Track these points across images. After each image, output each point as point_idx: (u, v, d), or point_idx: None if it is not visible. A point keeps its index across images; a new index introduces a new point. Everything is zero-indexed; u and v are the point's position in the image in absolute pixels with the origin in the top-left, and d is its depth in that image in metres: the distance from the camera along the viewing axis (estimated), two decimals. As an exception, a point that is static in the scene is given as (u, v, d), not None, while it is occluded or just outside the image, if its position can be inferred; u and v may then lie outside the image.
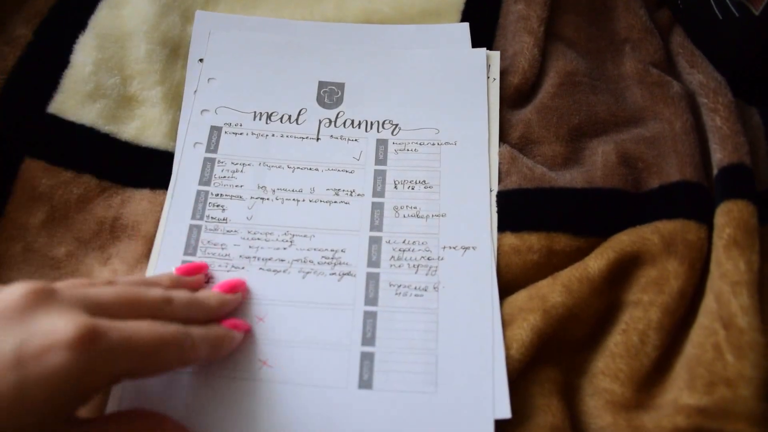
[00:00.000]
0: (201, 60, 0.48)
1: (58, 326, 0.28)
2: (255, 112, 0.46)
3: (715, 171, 0.42)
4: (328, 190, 0.43)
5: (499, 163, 0.44)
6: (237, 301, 0.38)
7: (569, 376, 0.39)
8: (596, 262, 0.39)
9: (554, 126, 0.46)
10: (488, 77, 0.48)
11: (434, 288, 0.40)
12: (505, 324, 0.38)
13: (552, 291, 0.39)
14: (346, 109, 0.46)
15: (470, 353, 0.37)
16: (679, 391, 0.35)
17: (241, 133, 0.45)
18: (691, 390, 0.35)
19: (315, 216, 0.42)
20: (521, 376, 0.38)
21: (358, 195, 0.43)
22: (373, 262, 0.41)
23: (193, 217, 0.42)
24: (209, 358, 0.35)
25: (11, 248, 0.41)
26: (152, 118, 0.45)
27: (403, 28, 0.51)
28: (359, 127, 0.46)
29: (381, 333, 0.38)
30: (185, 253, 0.41)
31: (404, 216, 0.42)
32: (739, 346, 0.35)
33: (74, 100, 0.45)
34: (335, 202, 0.43)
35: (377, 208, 0.43)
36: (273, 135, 0.45)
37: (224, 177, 0.43)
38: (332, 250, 0.41)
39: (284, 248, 0.41)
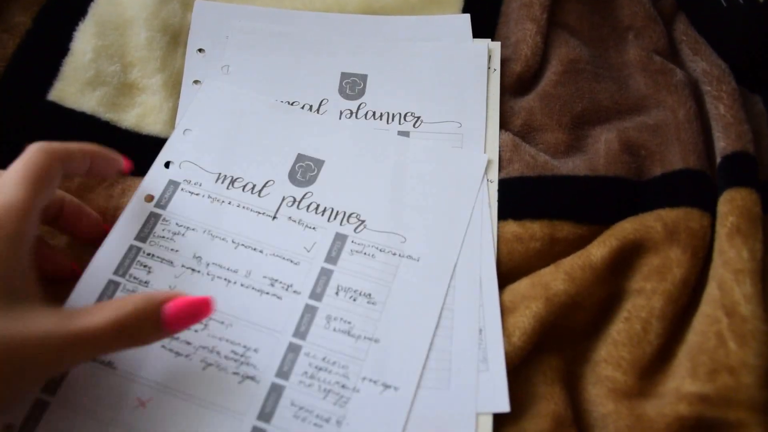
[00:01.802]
0: (200, 50, 0.48)
1: None
2: (219, 174, 0.42)
3: (718, 159, 0.42)
4: (264, 277, 0.39)
5: (501, 151, 0.44)
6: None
7: (571, 364, 0.39)
8: (599, 250, 0.39)
9: (557, 114, 0.45)
10: (489, 68, 0.47)
11: (337, 423, 0.35)
12: (508, 312, 0.38)
13: (555, 279, 0.38)
14: (315, 190, 0.42)
15: None
16: (682, 379, 0.35)
17: (197, 194, 0.41)
18: (694, 378, 0.35)
19: (241, 303, 0.38)
20: (523, 364, 0.37)
21: (294, 292, 0.38)
22: (283, 372, 0.36)
23: (116, 272, 0.38)
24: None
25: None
26: (153, 106, 0.45)
27: (405, 20, 0.50)
28: (322, 215, 0.41)
29: None
30: None
31: (335, 329, 0.38)
32: (742, 334, 0.35)
33: (74, 88, 0.45)
34: (267, 293, 0.38)
35: (309, 312, 0.38)
36: (229, 203, 0.41)
37: (163, 237, 0.39)
38: (244, 347, 0.37)
39: (195, 331, 0.37)
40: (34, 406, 0.34)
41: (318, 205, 0.41)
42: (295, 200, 0.41)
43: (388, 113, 0.45)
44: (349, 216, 0.41)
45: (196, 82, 0.46)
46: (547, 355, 0.38)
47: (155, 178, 0.42)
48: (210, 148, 0.43)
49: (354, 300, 0.38)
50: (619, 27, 0.51)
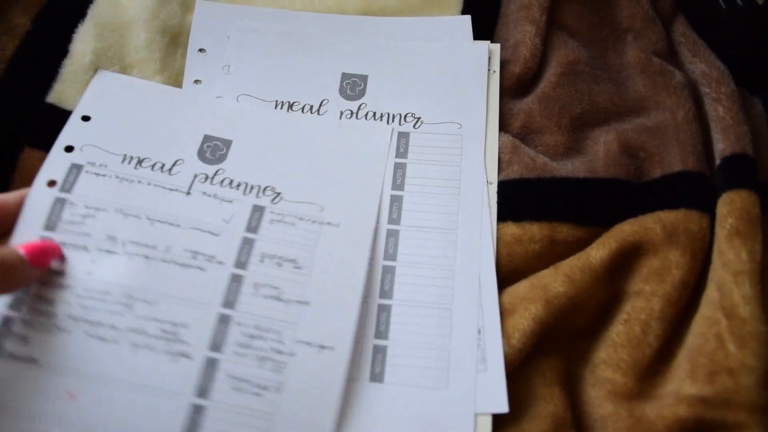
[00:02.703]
0: (201, 50, 0.48)
1: None
2: (125, 155, 0.40)
3: (717, 161, 0.42)
4: (185, 251, 0.37)
5: (501, 153, 0.44)
6: None
7: (571, 366, 0.39)
8: (598, 251, 0.39)
9: (556, 115, 0.45)
10: (489, 69, 0.47)
11: (276, 389, 0.35)
12: (507, 313, 0.38)
13: (554, 281, 0.38)
14: (227, 167, 0.41)
15: None
16: (681, 381, 0.35)
17: (103, 175, 0.39)
18: (693, 380, 0.35)
19: (163, 279, 0.36)
20: (523, 366, 0.38)
21: (218, 262, 0.37)
22: (216, 345, 0.35)
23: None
24: None
25: (11, 238, 0.41)
26: (152, 108, 0.45)
27: (405, 21, 0.50)
28: (237, 189, 0.40)
29: None
30: (10, 307, 0.35)
31: (264, 296, 0.37)
32: (741, 336, 0.35)
33: (74, 90, 0.44)
34: (190, 266, 0.37)
35: (235, 281, 0.37)
36: (139, 181, 0.39)
37: (72, 222, 0.37)
38: (173, 324, 0.35)
39: (120, 313, 0.35)
40: None
41: (231, 180, 0.40)
42: (207, 177, 0.40)
43: (388, 114, 0.45)
44: (265, 189, 0.40)
45: (196, 81, 0.46)
46: (546, 357, 0.38)
47: (56, 163, 0.39)
48: (112, 133, 0.41)
49: (280, 266, 0.38)
50: (618, 28, 0.51)
